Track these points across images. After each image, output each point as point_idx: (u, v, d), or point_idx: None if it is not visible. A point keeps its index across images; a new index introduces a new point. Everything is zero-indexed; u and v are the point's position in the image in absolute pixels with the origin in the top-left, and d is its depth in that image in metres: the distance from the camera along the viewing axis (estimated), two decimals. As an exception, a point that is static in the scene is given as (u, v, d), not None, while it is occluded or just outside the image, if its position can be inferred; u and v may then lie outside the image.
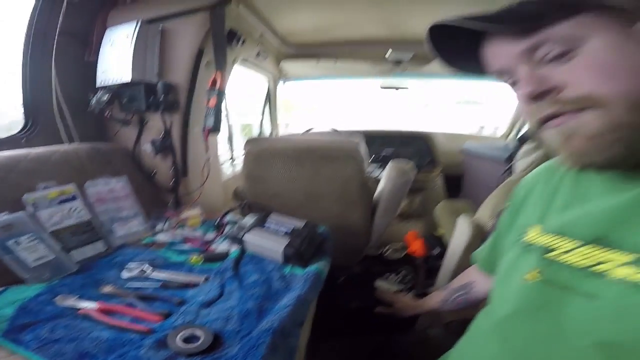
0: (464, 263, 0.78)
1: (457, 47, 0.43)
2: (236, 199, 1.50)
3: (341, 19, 1.61)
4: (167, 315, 0.54)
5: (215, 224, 0.99)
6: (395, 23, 1.65)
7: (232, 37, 1.36)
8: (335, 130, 1.98)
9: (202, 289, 0.64)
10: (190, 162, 1.23)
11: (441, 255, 1.12)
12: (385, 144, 2.49)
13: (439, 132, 2.54)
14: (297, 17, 1.59)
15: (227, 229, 0.96)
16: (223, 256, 0.79)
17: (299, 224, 0.86)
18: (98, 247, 0.80)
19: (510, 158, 1.57)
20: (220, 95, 1.16)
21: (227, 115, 1.84)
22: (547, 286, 0.41)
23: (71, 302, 0.57)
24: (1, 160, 0.78)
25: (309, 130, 2.07)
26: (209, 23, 1.13)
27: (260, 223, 0.88)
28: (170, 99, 1.15)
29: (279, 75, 2.38)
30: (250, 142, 1.21)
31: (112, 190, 0.92)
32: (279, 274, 0.70)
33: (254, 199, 1.23)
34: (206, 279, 0.68)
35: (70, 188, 0.79)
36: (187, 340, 0.48)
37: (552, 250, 0.42)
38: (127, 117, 1.17)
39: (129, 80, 1.05)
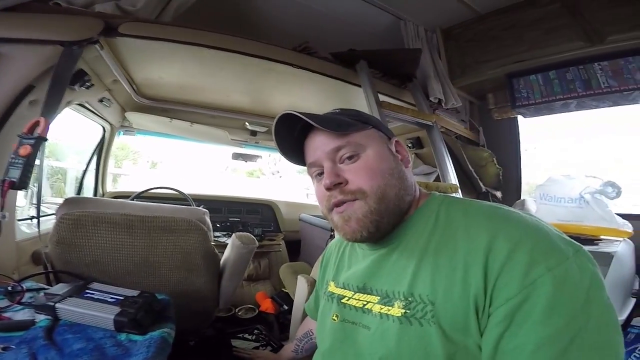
0: (306, 314, 0.94)
1: (290, 139, 0.62)
2: (36, 263, 1.28)
3: (209, 83, 1.72)
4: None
5: (8, 290, 0.88)
6: (260, 98, 1.89)
7: (79, 78, 1.30)
8: (182, 193, 1.99)
9: (4, 358, 0.57)
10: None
11: (290, 310, 1.27)
12: (233, 211, 2.70)
13: (282, 200, 2.97)
14: (162, 71, 1.58)
15: (26, 296, 0.88)
16: (26, 325, 0.72)
17: (131, 293, 0.87)
18: None
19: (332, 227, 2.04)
20: (38, 145, 0.98)
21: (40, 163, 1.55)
22: (344, 324, 0.59)
23: None
24: None
25: (149, 190, 1.97)
26: (58, 59, 1.06)
27: (79, 292, 0.87)
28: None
29: (121, 125, 2.29)
30: (68, 204, 1.06)
31: None
32: (113, 341, 0.70)
33: (64, 267, 1.09)
34: (5, 348, 0.60)
35: None
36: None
37: (343, 297, 0.62)
38: None
39: None
